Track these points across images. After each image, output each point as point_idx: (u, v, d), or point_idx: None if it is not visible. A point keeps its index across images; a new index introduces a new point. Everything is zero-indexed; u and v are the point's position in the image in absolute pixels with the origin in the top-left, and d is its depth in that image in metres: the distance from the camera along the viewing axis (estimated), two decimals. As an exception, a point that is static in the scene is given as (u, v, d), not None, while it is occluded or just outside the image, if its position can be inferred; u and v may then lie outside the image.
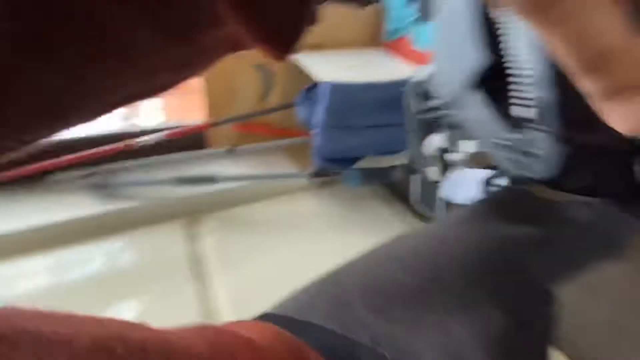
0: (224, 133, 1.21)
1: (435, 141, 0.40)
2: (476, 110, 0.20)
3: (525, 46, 0.16)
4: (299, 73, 1.14)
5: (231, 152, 1.25)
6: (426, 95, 0.43)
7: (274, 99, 1.25)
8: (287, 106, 1.20)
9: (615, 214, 0.26)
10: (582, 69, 0.12)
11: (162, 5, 0.10)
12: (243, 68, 1.15)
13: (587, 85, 0.13)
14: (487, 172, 0.30)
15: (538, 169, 0.21)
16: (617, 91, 0.12)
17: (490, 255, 0.24)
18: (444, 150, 0.40)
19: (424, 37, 0.97)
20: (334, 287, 0.23)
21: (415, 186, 0.89)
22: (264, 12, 0.11)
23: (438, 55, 0.23)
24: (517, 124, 0.19)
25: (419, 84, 0.42)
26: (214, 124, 1.13)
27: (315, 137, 0.98)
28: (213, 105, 1.18)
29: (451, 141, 0.37)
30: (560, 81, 0.16)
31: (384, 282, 0.23)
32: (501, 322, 0.22)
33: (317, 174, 1.01)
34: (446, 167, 0.42)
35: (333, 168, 1.02)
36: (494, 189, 0.30)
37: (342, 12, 1.09)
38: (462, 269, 0.23)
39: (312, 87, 1.11)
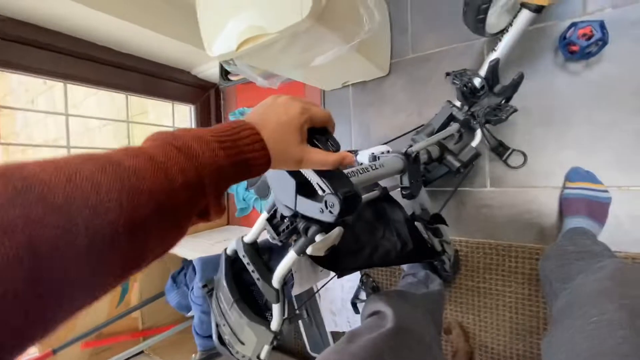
0: (73, 356, 0.98)
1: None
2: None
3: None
4: (159, 265, 1.15)
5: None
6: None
7: (132, 300, 1.16)
8: (147, 302, 1.13)
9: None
10: None
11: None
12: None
13: None
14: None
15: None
16: None
17: None
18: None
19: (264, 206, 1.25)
20: None
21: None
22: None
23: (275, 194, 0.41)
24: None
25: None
26: (56, 350, 0.92)
27: (195, 318, 0.95)
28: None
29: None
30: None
31: None
32: None
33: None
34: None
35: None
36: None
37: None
38: None
39: (178, 272, 1.13)
